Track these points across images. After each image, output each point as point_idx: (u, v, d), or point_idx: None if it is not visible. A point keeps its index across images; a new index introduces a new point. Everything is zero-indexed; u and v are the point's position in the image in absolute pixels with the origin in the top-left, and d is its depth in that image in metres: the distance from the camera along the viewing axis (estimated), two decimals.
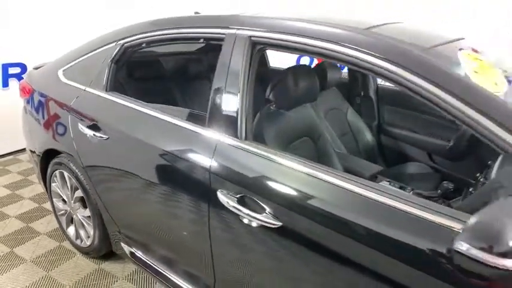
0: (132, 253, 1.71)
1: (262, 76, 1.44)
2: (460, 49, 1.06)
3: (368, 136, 2.12)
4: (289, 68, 1.47)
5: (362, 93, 2.27)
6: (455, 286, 0.76)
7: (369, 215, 0.90)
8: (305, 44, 1.11)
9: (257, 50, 1.23)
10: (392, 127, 2.19)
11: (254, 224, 1.08)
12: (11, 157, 3.35)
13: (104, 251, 1.93)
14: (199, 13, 2.02)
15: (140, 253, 1.66)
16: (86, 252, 2.01)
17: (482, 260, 0.63)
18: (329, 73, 2.00)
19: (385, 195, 0.89)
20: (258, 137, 1.31)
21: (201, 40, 1.41)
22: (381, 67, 0.96)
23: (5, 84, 3.30)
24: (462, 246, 0.65)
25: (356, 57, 0.99)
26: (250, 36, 1.22)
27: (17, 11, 3.10)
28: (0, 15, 3.01)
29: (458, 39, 1.37)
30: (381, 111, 2.27)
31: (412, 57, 0.94)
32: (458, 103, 0.84)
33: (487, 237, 0.63)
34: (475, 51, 1.07)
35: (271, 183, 1.07)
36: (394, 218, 0.86)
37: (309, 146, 1.58)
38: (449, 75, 0.88)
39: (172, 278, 1.53)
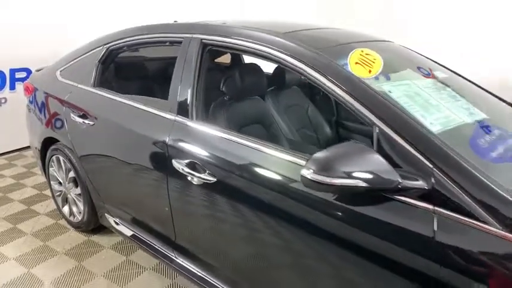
0: (114, 222, 2.03)
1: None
2: (356, 48, 1.38)
3: (327, 130, 2.41)
4: (238, 66, 1.80)
5: (321, 93, 2.59)
6: (304, 204, 1.11)
7: (265, 165, 1.23)
8: (239, 45, 1.44)
9: (207, 50, 1.56)
10: (349, 121, 2.50)
11: (198, 181, 1.39)
12: (16, 153, 3.71)
13: (93, 225, 2.25)
14: (177, 21, 2.37)
15: (119, 221, 1.99)
16: (78, 226, 2.33)
17: (318, 180, 0.93)
18: (289, 74, 2.32)
19: (284, 152, 1.21)
20: (213, 120, 1.64)
21: (167, 43, 1.75)
22: (287, 61, 1.28)
23: (12, 87, 3.68)
24: (306, 172, 0.95)
25: (270, 54, 1.32)
26: (202, 39, 1.56)
27: (22, 20, 3.49)
28: (7, 25, 3.39)
29: (384, 41, 1.71)
30: (339, 107, 2.57)
31: (309, 54, 1.26)
32: (332, 85, 1.16)
33: (323, 165, 0.94)
34: (370, 50, 1.38)
35: (209, 151, 1.39)
36: (283, 166, 1.19)
37: (260, 131, 1.89)
38: (330, 65, 1.20)
39: (145, 240, 1.84)
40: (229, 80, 1.73)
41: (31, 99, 2.52)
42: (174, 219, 1.59)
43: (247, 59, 2.78)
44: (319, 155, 0.96)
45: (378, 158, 0.96)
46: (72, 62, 2.26)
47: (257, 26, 1.53)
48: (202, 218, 1.48)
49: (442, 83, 1.44)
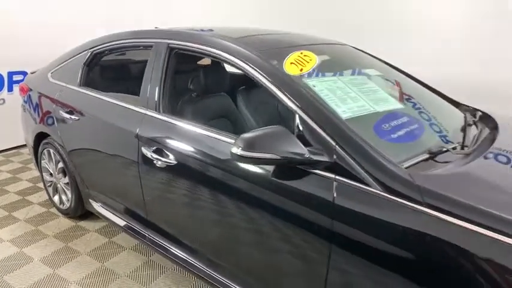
0: (98, 207, 2.27)
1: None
2: (301, 49, 1.62)
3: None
4: (203, 67, 2.05)
5: None
6: (243, 178, 1.36)
7: (215, 147, 1.48)
8: (198, 48, 1.68)
9: (173, 53, 1.81)
10: None
11: (162, 164, 1.63)
12: (14, 151, 3.96)
13: (80, 211, 2.49)
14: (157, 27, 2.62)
15: (102, 205, 2.23)
16: (66, 213, 2.58)
17: (243, 155, 1.17)
18: None
19: (228, 137, 1.45)
20: (181, 114, 1.88)
21: (141, 47, 2.00)
22: (234, 62, 1.52)
23: (10, 89, 3.94)
24: (235, 150, 1.19)
25: (221, 56, 1.57)
26: (169, 44, 1.81)
27: (19, 26, 3.75)
28: (5, 31, 3.66)
29: (337, 44, 1.98)
30: None
31: (250, 56, 1.50)
32: (266, 81, 1.40)
33: (248, 143, 1.17)
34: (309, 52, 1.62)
35: (172, 138, 1.64)
36: (227, 147, 1.39)
37: (225, 124, 2.14)
38: (264, 64, 1.44)
39: (123, 221, 2.08)
40: (196, 79, 1.98)
41: (26, 99, 2.77)
42: (145, 199, 1.84)
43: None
44: (246, 135, 1.19)
45: (292, 137, 1.20)
46: (61, 65, 2.51)
47: (220, 32, 1.79)
48: (167, 196, 1.73)
49: (371, 79, 1.68)
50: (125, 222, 2.07)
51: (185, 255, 1.75)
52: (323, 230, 1.17)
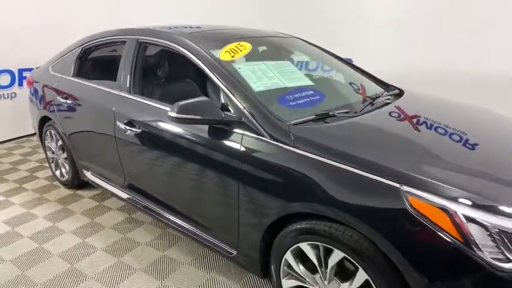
0: (89, 175, 2.75)
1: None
2: (235, 42, 2.05)
3: None
4: (170, 57, 2.50)
5: None
6: (177, 136, 1.80)
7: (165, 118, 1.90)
8: (158, 42, 2.14)
9: (142, 47, 2.26)
10: None
11: (131, 133, 2.09)
12: (25, 138, 4.52)
13: (76, 182, 2.99)
14: None
15: (92, 173, 2.72)
16: (66, 184, 3.08)
17: (176, 117, 1.61)
18: None
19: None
20: (149, 95, 2.33)
21: (119, 43, 2.46)
22: (182, 52, 1.96)
23: (21, 84, 4.48)
24: (170, 113, 1.63)
25: (173, 47, 2.01)
26: (138, 39, 2.27)
27: (28, 28, 4.27)
28: (16, 33, 4.18)
29: (290, 37, 2.42)
30: None
31: (193, 47, 1.94)
32: (203, 65, 1.84)
33: (180, 108, 1.61)
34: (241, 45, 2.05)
35: (139, 113, 2.09)
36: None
37: None
38: (201, 52, 1.88)
39: (107, 187, 2.56)
40: (162, 68, 2.44)
41: (31, 90, 3.28)
42: (123, 165, 2.31)
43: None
44: (179, 103, 1.63)
45: (213, 104, 1.64)
46: (59, 59, 3.01)
47: (179, 28, 2.24)
48: (136, 158, 2.20)
49: (296, 64, 2.11)
50: (111, 187, 2.55)
51: (152, 206, 2.21)
52: (235, 170, 1.61)
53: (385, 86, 2.40)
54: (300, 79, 1.97)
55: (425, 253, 1.18)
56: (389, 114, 1.81)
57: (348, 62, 2.61)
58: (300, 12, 5.11)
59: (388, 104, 1.95)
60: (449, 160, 1.40)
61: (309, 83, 1.98)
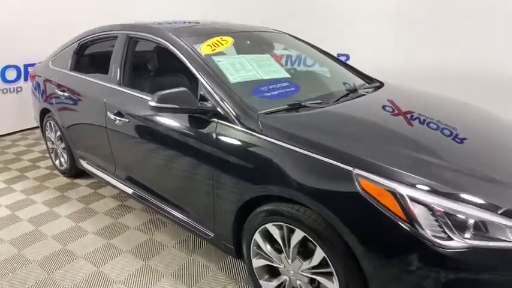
0: (85, 164, 2.89)
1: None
2: (218, 36, 2.15)
3: None
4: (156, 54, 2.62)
5: None
6: (160, 124, 1.92)
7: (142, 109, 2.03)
8: (147, 37, 2.25)
9: (131, 41, 2.38)
10: None
11: (120, 123, 2.21)
12: (29, 131, 4.70)
13: (74, 171, 3.13)
14: None
15: (87, 162, 2.85)
16: (64, 172, 3.24)
17: (156, 106, 1.71)
18: None
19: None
20: (140, 87, 2.44)
21: (111, 38, 2.58)
22: (167, 46, 2.07)
23: (26, 79, 4.65)
24: (150, 102, 1.73)
25: (159, 42, 2.12)
26: (128, 34, 2.38)
27: (33, 26, 4.44)
28: (22, 30, 4.35)
29: (277, 32, 2.51)
30: None
31: (176, 41, 2.04)
32: (185, 59, 1.94)
33: (160, 98, 1.71)
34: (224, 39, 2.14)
35: (126, 104, 2.21)
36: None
37: None
38: (184, 46, 1.98)
39: (101, 175, 2.69)
40: (152, 62, 2.55)
41: (34, 84, 3.43)
42: (114, 154, 2.43)
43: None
44: (159, 92, 1.74)
45: (191, 95, 1.74)
46: (59, 54, 3.15)
47: (178, 23, 2.34)
48: (125, 146, 2.32)
49: (274, 57, 2.20)
50: (104, 175, 2.69)
51: (140, 192, 2.33)
52: (209, 156, 1.71)
53: (368, 79, 2.47)
54: (277, 72, 2.06)
55: (373, 232, 1.27)
56: (359, 104, 1.89)
57: (334, 57, 2.68)
58: (300, 10, 5.20)
59: (362, 95, 2.03)
60: (402, 145, 1.47)
61: (286, 75, 2.07)
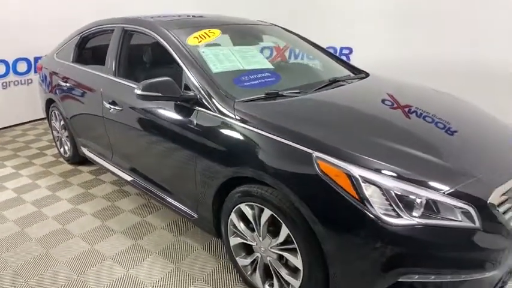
0: (85, 151, 3.06)
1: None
2: (206, 28, 2.25)
3: None
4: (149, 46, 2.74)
5: None
6: (148, 112, 2.03)
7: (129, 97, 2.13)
8: (139, 29, 2.37)
9: (127, 34, 2.50)
10: None
11: (114, 111, 2.35)
12: (40, 121, 4.92)
13: (77, 158, 3.31)
14: None
15: (87, 149, 3.02)
16: (68, 160, 3.42)
17: (140, 94, 1.83)
18: None
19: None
20: (136, 79, 2.57)
21: (109, 31, 2.71)
22: (157, 38, 2.18)
23: (36, 71, 4.86)
24: (136, 91, 1.85)
25: (150, 34, 2.23)
26: (123, 27, 2.51)
27: (43, 20, 4.63)
28: (31, 25, 4.55)
29: (267, 25, 2.60)
30: None
31: (165, 33, 2.15)
32: (171, 50, 2.05)
33: (144, 86, 1.82)
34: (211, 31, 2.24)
35: (120, 94, 2.34)
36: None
37: None
38: (171, 38, 2.09)
39: (100, 161, 2.85)
40: (146, 54, 2.68)
41: (40, 76, 3.61)
42: (110, 138, 2.58)
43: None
44: (144, 81, 1.86)
45: (174, 84, 1.85)
46: (63, 47, 3.31)
47: (159, 17, 2.46)
48: (119, 133, 2.46)
49: (260, 49, 2.29)
50: (103, 161, 2.84)
51: (134, 176, 2.47)
52: (191, 141, 1.83)
53: (356, 70, 2.54)
54: (260, 63, 2.15)
55: (330, 211, 1.36)
56: (336, 93, 1.97)
57: (323, 48, 2.74)
58: (301, 4, 5.25)
59: (343, 85, 2.11)
60: (364, 130, 1.56)
61: (269, 66, 2.16)
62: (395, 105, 1.84)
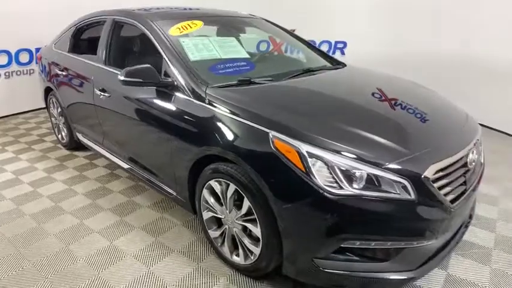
0: (80, 136, 3.24)
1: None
2: (189, 20, 2.39)
3: None
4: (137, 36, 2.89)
5: None
6: (131, 98, 2.21)
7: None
8: (128, 20, 2.52)
9: (117, 25, 2.66)
10: None
11: (103, 97, 2.52)
12: (41, 110, 5.12)
13: (73, 144, 3.49)
14: None
15: (82, 135, 3.20)
16: (65, 145, 3.62)
17: (123, 80, 1.98)
18: None
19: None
20: (125, 67, 2.73)
21: (101, 23, 2.87)
22: (141, 28, 2.34)
23: (37, 61, 5.05)
24: (119, 77, 2.01)
25: (136, 25, 2.39)
26: (114, 19, 2.67)
27: (43, 12, 4.80)
28: (32, 17, 4.72)
29: (249, 17, 2.74)
30: None
31: (149, 24, 2.30)
32: (153, 39, 2.20)
33: (127, 73, 1.98)
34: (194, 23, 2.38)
35: (108, 81, 2.51)
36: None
37: None
38: (154, 28, 2.24)
39: (93, 146, 3.03)
40: (135, 43, 2.84)
41: (40, 66, 3.80)
42: (101, 123, 2.75)
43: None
44: (127, 68, 2.01)
45: (153, 70, 2.01)
46: (60, 37, 3.49)
47: (151, 9, 2.61)
48: (108, 118, 2.63)
49: (241, 40, 2.43)
50: (95, 145, 3.02)
51: (120, 158, 2.65)
52: (169, 124, 1.99)
53: (335, 61, 2.67)
54: (238, 52, 2.30)
55: (282, 183, 1.51)
56: (306, 81, 2.12)
57: (305, 40, 2.87)
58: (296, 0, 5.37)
59: (316, 74, 2.25)
60: (322, 112, 1.71)
61: (245, 56, 2.30)
62: (358, 91, 1.98)
